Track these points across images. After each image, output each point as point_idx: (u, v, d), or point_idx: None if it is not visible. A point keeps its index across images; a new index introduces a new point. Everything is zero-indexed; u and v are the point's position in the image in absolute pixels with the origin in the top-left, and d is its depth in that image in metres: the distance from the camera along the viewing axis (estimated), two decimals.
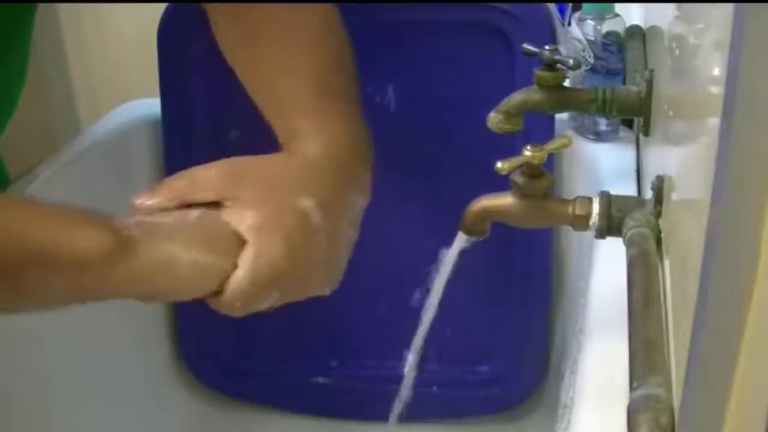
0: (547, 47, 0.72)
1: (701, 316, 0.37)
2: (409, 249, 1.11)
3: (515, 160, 0.69)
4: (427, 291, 0.84)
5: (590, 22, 1.04)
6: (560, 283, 1.13)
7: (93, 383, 1.10)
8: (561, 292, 1.13)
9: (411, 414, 1.02)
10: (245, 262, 0.68)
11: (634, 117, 0.87)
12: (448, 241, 0.78)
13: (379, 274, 1.12)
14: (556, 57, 0.71)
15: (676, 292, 0.51)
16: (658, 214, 0.65)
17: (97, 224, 0.63)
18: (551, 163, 1.06)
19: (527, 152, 0.70)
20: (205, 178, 0.70)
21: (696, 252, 0.39)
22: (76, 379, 1.07)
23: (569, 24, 1.07)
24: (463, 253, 0.78)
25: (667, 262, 0.59)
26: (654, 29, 0.89)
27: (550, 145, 0.70)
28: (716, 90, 0.37)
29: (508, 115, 0.74)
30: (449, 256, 0.79)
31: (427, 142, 1.10)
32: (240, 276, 0.68)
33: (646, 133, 0.76)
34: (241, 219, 0.68)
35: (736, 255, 0.35)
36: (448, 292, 0.83)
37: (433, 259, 0.82)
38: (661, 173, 0.63)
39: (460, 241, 0.77)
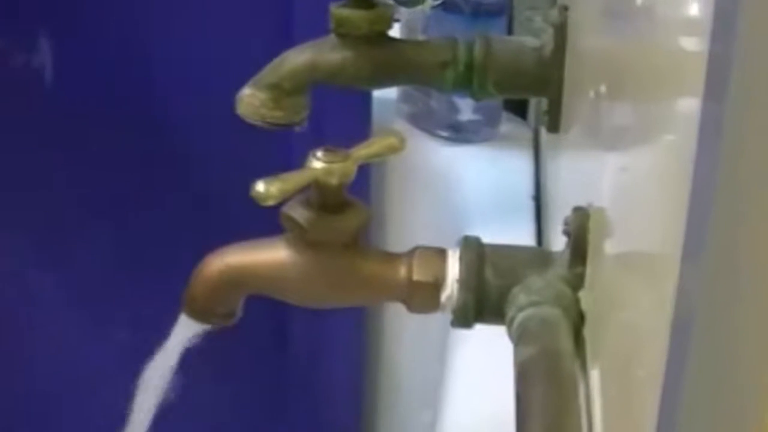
0: None
1: None
2: (87, 338, 1.02)
3: (292, 179, 0.58)
4: (126, 413, 0.67)
5: None
6: (382, 410, 1.07)
7: None
8: (384, 426, 1.08)
9: None
10: None
11: (528, 97, 0.90)
12: (161, 331, 0.63)
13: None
14: None
15: (614, 426, 0.48)
16: (576, 281, 0.57)
17: None
18: (365, 183, 0.94)
19: (317, 163, 0.59)
20: None
21: (653, 352, 0.35)
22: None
23: None
24: (190, 353, 0.64)
25: (595, 372, 0.53)
26: None
27: (363, 150, 0.61)
28: (694, 44, 0.33)
29: (279, 92, 0.64)
30: (164, 358, 0.64)
31: (123, 142, 0.97)
32: None
33: (554, 128, 0.67)
34: None
35: (729, 354, 0.32)
36: (167, 417, 0.66)
37: (132, 359, 0.64)
38: (583, 203, 0.56)
39: (185, 331, 0.63)
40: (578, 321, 0.56)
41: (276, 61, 0.64)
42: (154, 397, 0.66)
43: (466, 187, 0.98)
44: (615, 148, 0.52)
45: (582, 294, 0.57)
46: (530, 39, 0.67)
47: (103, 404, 0.89)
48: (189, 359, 0.67)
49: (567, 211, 0.58)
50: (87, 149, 0.99)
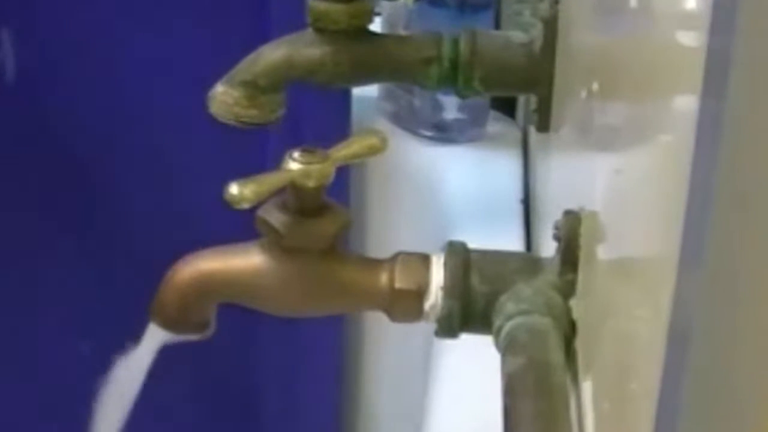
0: None
1: None
2: (47, 350, 1.01)
3: (267, 181, 0.58)
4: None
5: None
6: (362, 424, 1.06)
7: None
8: None
9: None
10: None
11: (517, 95, 0.92)
12: (126, 339, 0.62)
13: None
14: None
15: None
16: (567, 288, 0.57)
17: None
18: (344, 185, 0.95)
19: (293, 164, 0.58)
20: None
21: (648, 363, 0.36)
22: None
23: None
24: (159, 366, 0.62)
25: (587, 384, 0.53)
26: None
27: (343, 150, 0.61)
28: (692, 39, 0.33)
29: (254, 89, 0.65)
30: (130, 373, 0.63)
31: (89, 140, 0.97)
32: None
33: (544, 128, 0.67)
34: None
35: (728, 366, 0.31)
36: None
37: (97, 374, 0.63)
38: (574, 206, 0.56)
39: (153, 342, 0.62)
40: (569, 331, 0.56)
41: (250, 56, 0.63)
42: (118, 412, 0.64)
43: (451, 190, 0.98)
44: (608, 149, 0.52)
45: (573, 302, 0.56)
46: (519, 34, 0.66)
47: (64, 421, 0.87)
48: (151, 375, 0.65)
49: (557, 215, 0.57)
50: (51, 147, 0.98)
